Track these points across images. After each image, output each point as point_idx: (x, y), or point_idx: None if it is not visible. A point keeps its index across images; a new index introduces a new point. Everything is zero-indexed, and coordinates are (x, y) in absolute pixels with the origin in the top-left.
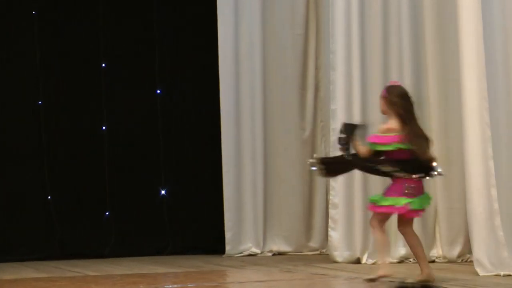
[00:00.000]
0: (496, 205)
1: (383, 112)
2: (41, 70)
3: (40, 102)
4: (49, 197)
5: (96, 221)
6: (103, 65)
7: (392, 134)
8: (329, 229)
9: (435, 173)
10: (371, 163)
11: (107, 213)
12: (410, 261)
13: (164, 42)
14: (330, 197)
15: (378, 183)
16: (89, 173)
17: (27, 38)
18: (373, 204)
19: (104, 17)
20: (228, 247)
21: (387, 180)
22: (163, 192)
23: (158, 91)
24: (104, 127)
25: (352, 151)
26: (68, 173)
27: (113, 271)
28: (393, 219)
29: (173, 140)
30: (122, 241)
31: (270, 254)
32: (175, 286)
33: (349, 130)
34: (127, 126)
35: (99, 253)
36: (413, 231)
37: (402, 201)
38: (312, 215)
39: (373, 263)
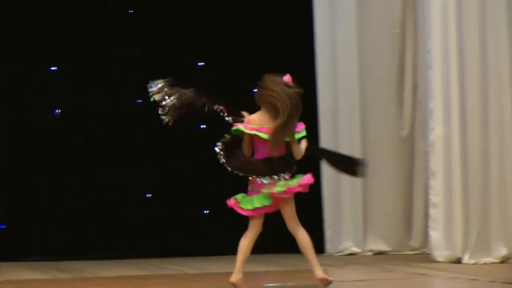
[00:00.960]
0: None
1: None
2: None
3: None
4: (148, 195)
5: (194, 219)
6: (200, 63)
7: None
8: (429, 229)
9: None
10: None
11: (205, 212)
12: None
13: (258, 41)
14: (430, 197)
15: None
16: (188, 171)
17: None
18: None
19: (207, 19)
20: (328, 246)
21: None
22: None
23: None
24: (202, 126)
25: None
26: (166, 171)
27: (212, 269)
28: None
29: None
30: (220, 239)
31: (370, 253)
32: (274, 284)
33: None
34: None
35: (199, 251)
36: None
37: None
38: (411, 215)
39: (474, 263)
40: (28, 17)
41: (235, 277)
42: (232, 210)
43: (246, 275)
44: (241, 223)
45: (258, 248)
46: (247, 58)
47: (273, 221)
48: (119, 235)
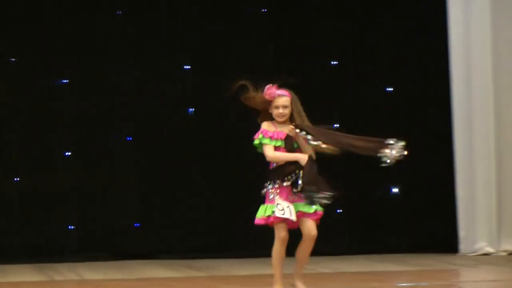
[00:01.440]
0: None
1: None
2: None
3: None
4: None
5: (328, 218)
6: (334, 62)
7: None
8: None
9: None
10: None
11: (338, 211)
12: None
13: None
14: None
15: None
16: (322, 170)
17: None
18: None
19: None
20: (461, 246)
21: None
22: (394, 190)
23: (390, 89)
24: (336, 125)
25: None
26: None
27: (345, 268)
28: None
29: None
30: (353, 239)
31: (504, 253)
32: (408, 284)
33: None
34: (357, 122)
35: (331, 250)
36: None
37: None
38: None
39: None
40: (159, 19)
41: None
42: (364, 209)
43: (380, 274)
44: (373, 223)
45: (391, 248)
46: (380, 60)
47: (409, 221)
48: (252, 233)
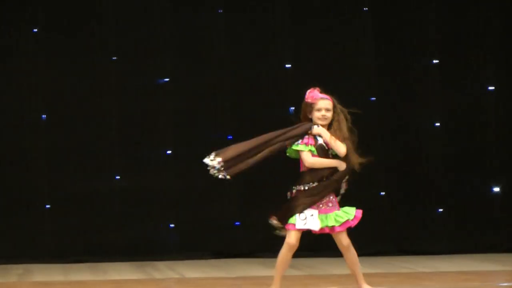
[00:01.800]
0: None
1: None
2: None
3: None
4: (381, 193)
5: (428, 218)
6: (434, 61)
7: None
8: None
9: None
10: None
11: (439, 210)
12: None
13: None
14: None
15: None
16: (420, 169)
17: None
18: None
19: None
20: None
21: None
22: (495, 189)
23: (490, 88)
24: (437, 124)
25: None
26: (399, 170)
27: (445, 268)
28: None
29: (506, 137)
30: (454, 238)
31: None
32: (510, 284)
33: None
34: (458, 122)
35: (432, 250)
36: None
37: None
38: None
39: None
40: (258, 16)
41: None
42: (464, 208)
43: (480, 274)
44: (474, 222)
45: (491, 247)
46: (482, 59)
47: (509, 221)
48: (351, 232)
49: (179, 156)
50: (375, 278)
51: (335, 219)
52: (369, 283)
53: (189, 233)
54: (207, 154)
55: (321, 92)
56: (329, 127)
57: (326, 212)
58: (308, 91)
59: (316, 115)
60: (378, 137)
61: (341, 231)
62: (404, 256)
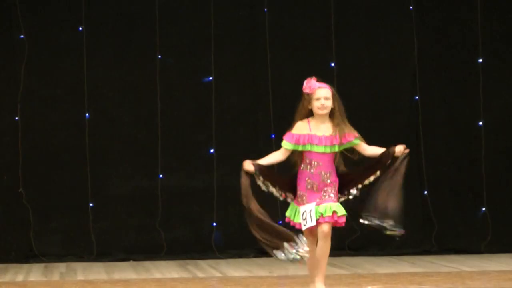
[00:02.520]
0: None
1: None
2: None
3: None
4: (425, 192)
5: (472, 217)
6: (481, 60)
7: None
8: None
9: None
10: None
11: (483, 209)
12: None
13: None
14: None
15: None
16: (464, 168)
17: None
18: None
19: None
20: None
21: None
22: None
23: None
24: (480, 123)
25: None
26: (442, 168)
27: (489, 267)
28: None
29: None
30: (498, 237)
31: None
32: None
33: None
34: (502, 122)
35: (475, 249)
36: None
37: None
38: None
39: None
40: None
41: None
42: (508, 208)
43: None
44: None
45: None
46: None
47: None
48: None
49: (223, 155)
50: (418, 277)
51: (326, 209)
52: (410, 282)
53: (231, 232)
54: (251, 153)
55: (318, 81)
56: (329, 116)
57: (322, 203)
58: (305, 81)
59: (315, 105)
60: (421, 136)
61: (328, 222)
62: (447, 255)
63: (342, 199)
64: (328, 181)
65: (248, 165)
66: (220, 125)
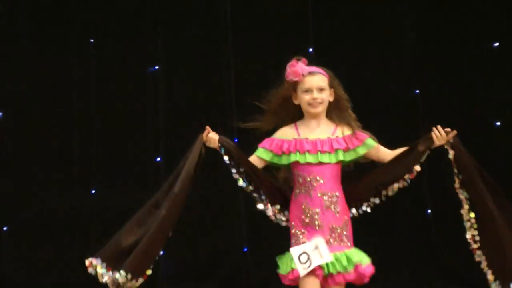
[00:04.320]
0: None
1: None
2: None
3: None
4: (428, 211)
5: None
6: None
7: None
8: None
9: None
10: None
11: None
12: None
13: None
14: None
15: None
16: None
17: None
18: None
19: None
20: None
21: None
22: None
23: None
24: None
25: None
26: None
27: None
28: None
29: None
30: None
31: None
32: None
33: None
34: None
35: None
36: None
37: None
38: None
39: None
40: None
41: None
42: None
43: None
44: None
45: None
46: None
47: None
48: None
49: (172, 164)
50: None
51: (345, 262)
52: None
53: (186, 260)
54: None
55: (308, 65)
56: (327, 115)
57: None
58: (289, 64)
59: (304, 99)
60: (424, 135)
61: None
62: None
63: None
64: (338, 209)
65: (213, 134)
66: (169, 126)
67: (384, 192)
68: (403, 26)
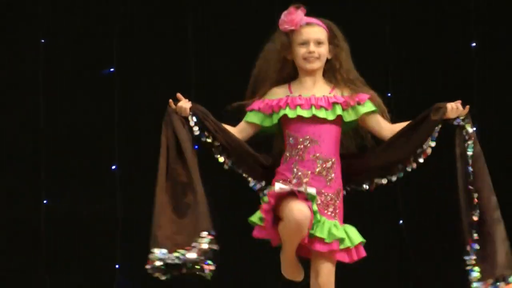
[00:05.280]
0: None
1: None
2: None
3: None
4: (400, 221)
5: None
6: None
7: None
8: None
9: None
10: None
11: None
12: None
13: None
14: None
15: None
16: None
17: None
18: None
19: None
20: None
21: None
22: None
23: None
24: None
25: None
26: (426, 187)
27: None
28: None
29: None
30: None
31: None
32: None
33: None
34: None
35: None
36: None
37: None
38: None
39: None
40: None
41: None
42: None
43: None
44: None
45: None
46: None
47: None
48: None
49: (129, 172)
50: None
51: (329, 231)
52: None
53: (144, 276)
54: None
55: (307, 15)
56: (325, 75)
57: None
58: (285, 12)
59: (299, 52)
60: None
61: (327, 252)
62: None
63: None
64: (331, 176)
65: (184, 102)
66: (125, 133)
67: (390, 173)
68: (376, 29)
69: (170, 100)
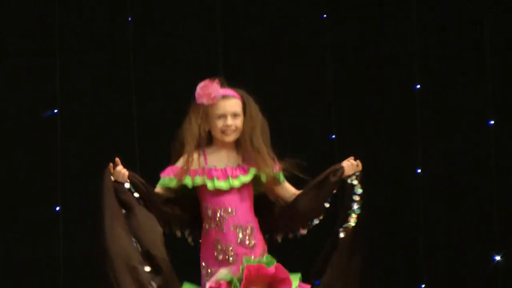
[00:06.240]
0: None
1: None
2: None
3: None
4: None
5: None
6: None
7: None
8: None
9: None
10: None
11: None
12: None
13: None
14: None
15: None
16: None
17: None
18: None
19: None
20: None
21: None
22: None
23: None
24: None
25: None
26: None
27: None
28: None
29: None
30: None
31: None
32: None
33: None
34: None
35: None
36: None
37: None
38: None
39: None
40: None
41: None
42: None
43: None
44: None
45: None
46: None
47: None
48: None
49: (71, 215)
50: None
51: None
52: None
53: None
54: None
55: (222, 87)
56: (238, 144)
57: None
58: (200, 85)
59: (217, 125)
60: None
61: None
62: None
63: None
64: (252, 243)
65: (121, 168)
66: (68, 174)
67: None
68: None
69: (111, 164)
